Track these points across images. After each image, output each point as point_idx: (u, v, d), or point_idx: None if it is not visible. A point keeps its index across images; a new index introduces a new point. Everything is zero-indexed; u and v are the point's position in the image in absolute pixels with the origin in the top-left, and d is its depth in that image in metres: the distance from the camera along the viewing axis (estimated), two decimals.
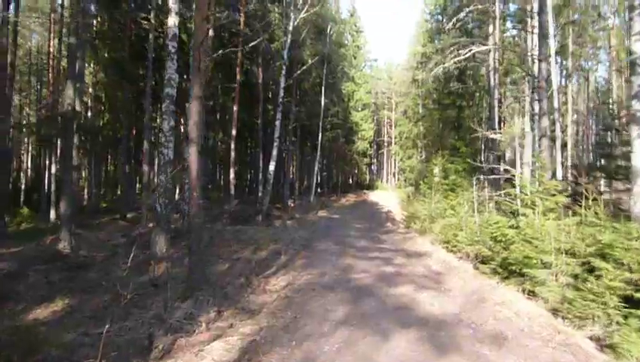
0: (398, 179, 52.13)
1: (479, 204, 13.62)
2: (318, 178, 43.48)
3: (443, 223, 14.04)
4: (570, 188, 13.74)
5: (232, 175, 21.81)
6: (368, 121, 44.48)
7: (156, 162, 22.94)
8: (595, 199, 7.40)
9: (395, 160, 54.01)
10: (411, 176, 30.92)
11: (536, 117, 13.14)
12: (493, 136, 18.06)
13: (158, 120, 25.75)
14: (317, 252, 11.40)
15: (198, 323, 5.72)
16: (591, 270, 6.22)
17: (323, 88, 27.60)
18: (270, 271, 9.12)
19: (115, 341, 5.30)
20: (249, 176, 33.70)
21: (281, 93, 19.59)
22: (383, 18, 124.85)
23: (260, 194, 22.68)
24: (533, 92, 13.70)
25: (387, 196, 38.05)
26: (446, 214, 14.41)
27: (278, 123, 19.45)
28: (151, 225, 14.47)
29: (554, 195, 7.96)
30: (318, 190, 40.80)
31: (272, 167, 19.45)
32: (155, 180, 18.56)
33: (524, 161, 15.80)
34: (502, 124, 23.09)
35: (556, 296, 6.34)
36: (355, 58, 41.66)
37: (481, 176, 14.35)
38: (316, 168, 28.70)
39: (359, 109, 44.02)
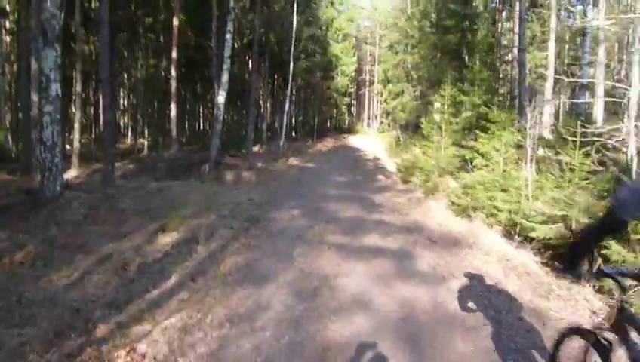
0: (382, 123, 47.20)
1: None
2: (292, 119, 38.19)
3: (466, 179, 9.32)
4: None
5: (172, 112, 16.54)
6: (350, 54, 38.77)
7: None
8: None
9: (377, 101, 48.80)
10: (402, 116, 26.02)
11: None
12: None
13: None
14: (269, 235, 6.55)
15: None
16: None
17: (295, 4, 21.80)
18: (145, 300, 4.16)
19: None
20: (201, 115, 28.17)
21: None
22: None
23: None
24: None
25: (370, 141, 33.17)
26: (474, 165, 9.63)
27: (228, 37, 14.01)
28: None
29: None
30: (293, 134, 35.69)
31: (221, 98, 14.24)
32: None
33: None
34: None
35: None
36: None
37: (528, 112, 9.48)
38: (287, 106, 23.39)
39: (339, 40, 38.16)
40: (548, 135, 14.46)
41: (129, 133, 31.95)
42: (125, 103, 34.79)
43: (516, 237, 6.63)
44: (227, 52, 14.17)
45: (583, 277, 3.29)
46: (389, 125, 43.81)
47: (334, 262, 5.24)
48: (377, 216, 8.08)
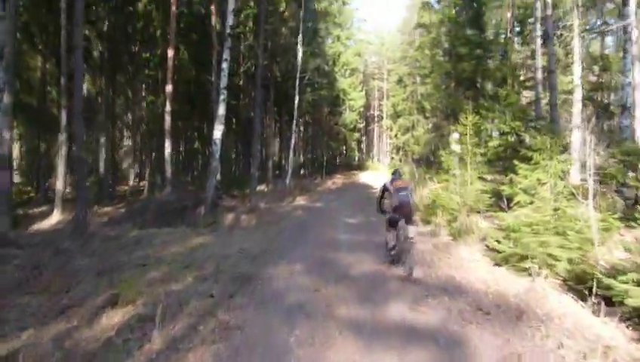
0: (392, 158, 45.76)
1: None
2: (300, 156, 36.80)
3: (507, 220, 7.61)
4: None
5: (166, 150, 15.13)
6: (357, 88, 37.74)
7: None
8: None
9: (387, 136, 47.57)
10: (416, 150, 24.48)
11: None
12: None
13: None
14: (260, 306, 4.83)
15: None
16: None
17: (300, 35, 20.73)
18: None
19: None
20: (205, 154, 26.92)
21: (230, 21, 12.71)
22: None
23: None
24: None
25: (381, 177, 31.57)
26: (517, 201, 7.92)
27: (224, 66, 12.68)
28: None
29: None
30: (301, 171, 34.23)
31: (217, 133, 12.79)
32: None
33: None
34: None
35: None
36: (340, 15, 34.70)
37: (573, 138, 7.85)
38: (292, 141, 21.99)
39: (346, 75, 37.24)
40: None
41: (132, 175, 30.78)
42: (130, 143, 33.80)
43: (592, 299, 4.88)
44: (223, 82, 12.83)
45: None
46: (399, 161, 42.37)
47: (349, 357, 3.52)
48: (401, 271, 6.35)
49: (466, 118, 11.78)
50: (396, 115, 40.14)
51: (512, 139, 12.07)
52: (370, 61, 51.94)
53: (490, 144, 12.18)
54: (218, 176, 19.05)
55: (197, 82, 21.46)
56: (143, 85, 24.69)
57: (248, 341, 3.85)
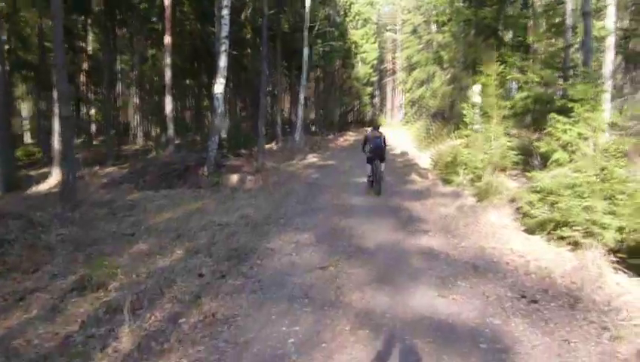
0: (406, 113, 44.33)
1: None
2: (311, 112, 35.59)
3: (543, 180, 6.66)
4: None
5: (167, 107, 14.23)
6: (370, 40, 35.95)
7: None
8: None
9: (401, 90, 45.91)
10: (432, 104, 23.18)
11: None
12: None
13: None
14: (255, 289, 4.05)
15: None
16: None
17: None
18: None
19: None
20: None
21: None
22: None
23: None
24: None
25: (396, 133, 30.35)
26: (555, 159, 6.90)
27: (225, 13, 11.50)
28: None
29: None
30: (313, 128, 33.16)
31: (219, 87, 11.80)
32: None
33: None
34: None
35: None
36: None
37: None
38: (302, 96, 20.84)
39: (359, 26, 35.40)
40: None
41: (139, 134, 30.04)
42: (137, 101, 32.92)
43: None
44: (224, 31, 11.70)
45: None
46: (414, 115, 40.99)
47: None
48: (423, 241, 5.53)
49: (490, 67, 10.64)
50: (410, 68, 38.45)
51: (541, 89, 10.89)
52: (384, 12, 49.53)
53: (518, 96, 11.05)
54: (224, 134, 18.24)
55: (202, 36, 20.20)
56: (149, 41, 23.50)
57: (236, 341, 3.08)
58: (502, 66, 11.15)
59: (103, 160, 18.22)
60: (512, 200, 7.73)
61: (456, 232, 5.96)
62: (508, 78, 11.07)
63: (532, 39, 11.43)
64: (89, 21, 21.29)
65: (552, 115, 7.60)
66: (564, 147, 6.84)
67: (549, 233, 5.92)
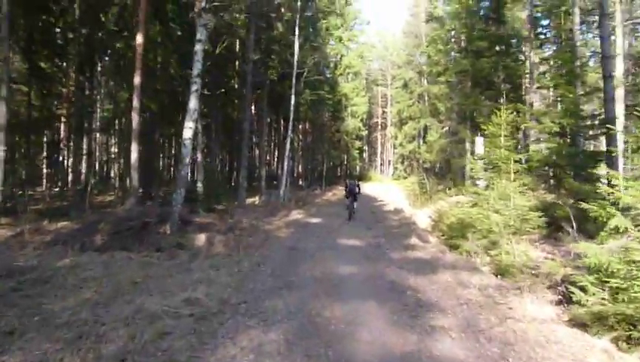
0: (396, 168, 43.31)
1: None
2: (298, 166, 34.16)
3: (597, 255, 4.95)
4: None
5: (133, 155, 12.57)
6: (360, 93, 35.30)
7: None
8: None
9: (391, 145, 45.14)
10: (428, 158, 21.81)
11: None
12: None
13: None
14: None
15: None
16: None
17: (297, 28, 18.18)
18: None
19: None
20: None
21: None
22: None
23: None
24: None
25: (386, 188, 28.90)
26: (615, 227, 5.18)
27: (198, 48, 10.10)
28: None
29: None
30: (300, 182, 31.61)
31: (187, 132, 10.17)
32: None
33: None
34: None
35: None
36: (342, 15, 32.34)
37: None
38: (288, 147, 19.28)
39: (349, 79, 34.82)
40: None
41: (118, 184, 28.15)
42: (117, 150, 31.24)
43: None
44: (196, 69, 10.26)
45: None
46: (405, 171, 39.90)
47: None
48: (445, 351, 3.71)
49: (499, 116, 9.22)
50: (401, 123, 37.76)
51: (560, 144, 9.42)
52: (374, 68, 49.60)
53: (533, 148, 9.58)
54: (200, 185, 16.49)
55: (181, 79, 18.91)
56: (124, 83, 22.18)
57: None
58: (512, 115, 9.77)
59: (67, 212, 16.32)
60: (548, 276, 5.99)
61: (490, 333, 4.15)
62: (522, 126, 9.59)
63: (549, 84, 9.95)
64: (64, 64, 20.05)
65: (606, 169, 6.02)
66: (624, 210, 5.18)
67: (623, 335, 4.17)
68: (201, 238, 9.76)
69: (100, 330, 3.95)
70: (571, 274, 5.65)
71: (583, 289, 4.82)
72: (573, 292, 4.75)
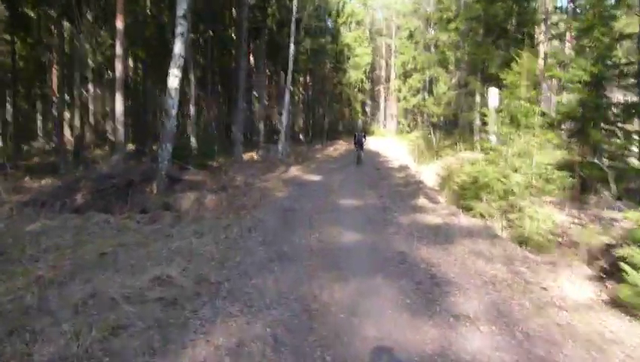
0: (400, 123, 41.93)
1: None
2: (299, 120, 33.01)
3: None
4: None
5: (118, 106, 11.55)
6: (363, 43, 33.58)
7: None
8: None
9: (395, 98, 43.54)
10: (436, 111, 20.66)
11: None
12: None
13: None
14: None
15: None
16: None
17: None
18: None
19: None
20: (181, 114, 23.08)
21: None
22: None
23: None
24: None
25: (390, 144, 27.85)
26: None
27: None
28: None
29: None
30: (301, 136, 30.57)
31: (173, 80, 9.16)
32: None
33: None
34: None
35: None
36: None
37: None
38: (286, 99, 18.12)
39: (351, 28, 33.06)
40: None
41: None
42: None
43: None
44: (181, 9, 9.09)
45: None
46: (409, 126, 38.63)
47: None
48: (475, 347, 2.92)
49: (520, 64, 8.16)
50: (405, 75, 36.14)
51: (590, 91, 8.37)
52: (377, 18, 47.22)
53: (558, 98, 8.56)
54: (193, 140, 15.55)
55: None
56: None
57: None
58: (532, 60, 8.69)
59: (57, 169, 15.50)
60: (586, 252, 5.17)
61: (528, 327, 3.34)
62: (547, 75, 8.51)
63: (576, 27, 8.78)
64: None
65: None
66: None
67: None
68: (190, 198, 8.94)
69: (40, 324, 3.14)
70: (611, 246, 4.84)
71: (634, 266, 4.00)
72: (625, 271, 3.91)
